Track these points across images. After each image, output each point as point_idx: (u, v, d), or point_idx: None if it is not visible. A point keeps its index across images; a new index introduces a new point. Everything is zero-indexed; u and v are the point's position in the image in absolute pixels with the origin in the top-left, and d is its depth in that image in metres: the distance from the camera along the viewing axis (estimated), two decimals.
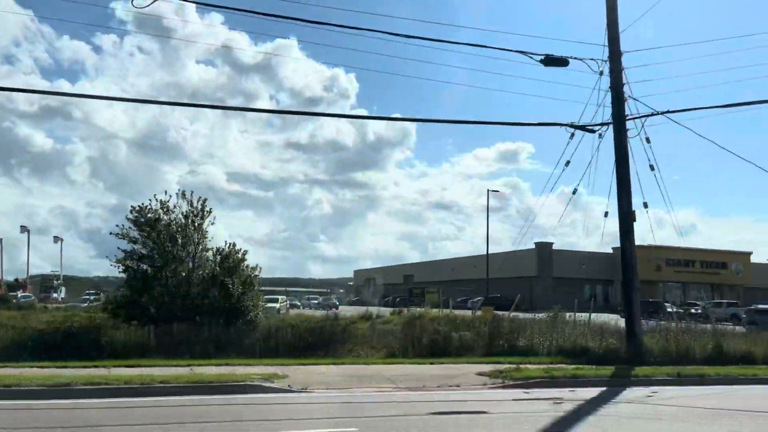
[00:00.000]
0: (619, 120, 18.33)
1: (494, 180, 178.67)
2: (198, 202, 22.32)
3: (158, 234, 21.41)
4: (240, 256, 22.53)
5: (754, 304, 74.01)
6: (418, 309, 52.87)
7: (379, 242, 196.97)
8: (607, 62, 18.53)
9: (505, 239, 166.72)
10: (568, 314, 32.20)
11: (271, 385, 11.37)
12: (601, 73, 18.73)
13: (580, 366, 14.90)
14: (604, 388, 12.54)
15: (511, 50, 17.70)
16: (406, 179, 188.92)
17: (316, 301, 73.66)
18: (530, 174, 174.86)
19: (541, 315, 26.23)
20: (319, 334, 19.48)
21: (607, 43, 18.62)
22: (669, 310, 55.37)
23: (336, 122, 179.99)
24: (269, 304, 51.11)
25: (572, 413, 9.22)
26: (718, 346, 17.89)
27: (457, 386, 12.47)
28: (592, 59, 18.39)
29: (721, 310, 54.37)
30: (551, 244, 76.10)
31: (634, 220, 18.22)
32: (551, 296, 74.85)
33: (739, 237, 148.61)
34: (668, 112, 18.43)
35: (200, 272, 21.90)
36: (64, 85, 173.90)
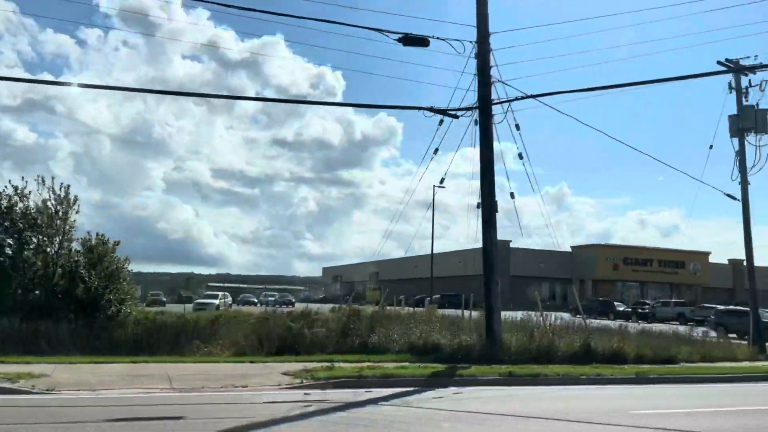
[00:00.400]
0: (484, 104, 17.27)
1: (480, 180, 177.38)
2: (61, 189, 21.02)
3: (12, 222, 20.09)
4: (108, 246, 21.28)
5: (711, 303, 73.75)
6: (360, 307, 51.99)
7: (365, 240, 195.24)
8: (475, 44, 17.49)
9: None
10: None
11: (9, 386, 10.16)
12: (476, 56, 17.71)
13: (405, 365, 13.77)
14: (407, 389, 11.45)
15: (366, 27, 16.63)
16: (391, 178, 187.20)
17: (272, 298, 72.29)
18: (516, 174, 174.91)
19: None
20: (170, 331, 18.27)
21: (476, 23, 17.61)
22: (620, 309, 54.87)
23: (322, 120, 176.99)
24: (209, 301, 50.01)
25: (289, 417, 8.09)
26: (585, 344, 16.91)
27: (244, 387, 11.32)
28: (457, 40, 17.27)
29: (669, 309, 53.88)
30: (509, 241, 75.20)
31: (496, 211, 17.18)
32: (508, 295, 74.21)
33: (723, 238, 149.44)
34: (538, 95, 17.47)
35: (62, 263, 20.60)
36: (47, 79, 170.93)
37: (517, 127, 17.54)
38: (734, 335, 29.22)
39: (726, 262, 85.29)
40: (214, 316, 20.80)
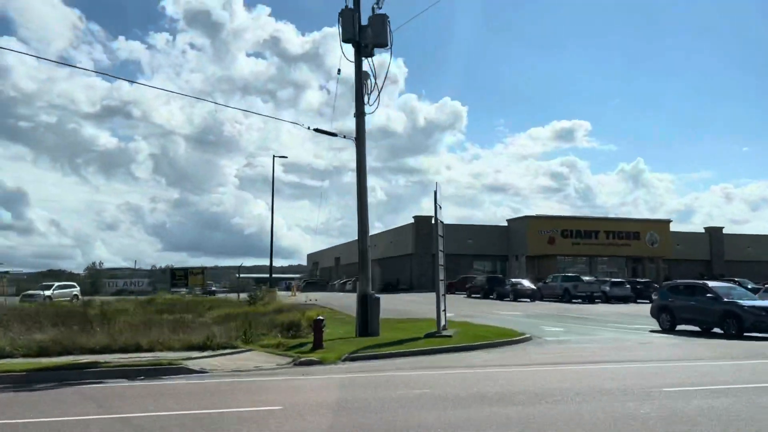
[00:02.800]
0: None
1: (550, 159, 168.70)
2: None
3: None
4: None
5: (670, 277, 64.57)
6: (184, 292, 47.60)
7: None
8: None
9: None
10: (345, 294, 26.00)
11: None
12: None
13: None
14: None
15: None
16: (458, 163, 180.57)
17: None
18: (588, 152, 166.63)
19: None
20: None
21: None
22: (507, 286, 47.76)
23: (386, 108, 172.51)
24: (37, 292, 46.80)
25: None
26: None
27: None
28: None
29: (557, 284, 46.92)
30: (431, 217, 68.32)
31: None
32: (430, 275, 67.16)
33: None
34: None
35: None
36: (123, 85, 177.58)
37: None
38: None
39: (703, 229, 75.37)
40: None
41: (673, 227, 70.53)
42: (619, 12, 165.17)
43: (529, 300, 45.00)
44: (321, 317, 15.33)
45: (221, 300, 34.79)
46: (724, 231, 74.84)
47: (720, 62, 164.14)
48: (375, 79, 19.55)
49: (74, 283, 53.26)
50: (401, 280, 69.18)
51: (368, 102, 19.66)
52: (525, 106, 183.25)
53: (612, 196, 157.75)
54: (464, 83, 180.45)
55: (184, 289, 45.11)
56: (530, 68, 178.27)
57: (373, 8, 19.30)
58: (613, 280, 46.55)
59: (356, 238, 19.27)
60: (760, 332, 18.82)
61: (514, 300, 44.70)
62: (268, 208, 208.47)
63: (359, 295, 18.92)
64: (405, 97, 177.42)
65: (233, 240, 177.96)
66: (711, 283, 21.41)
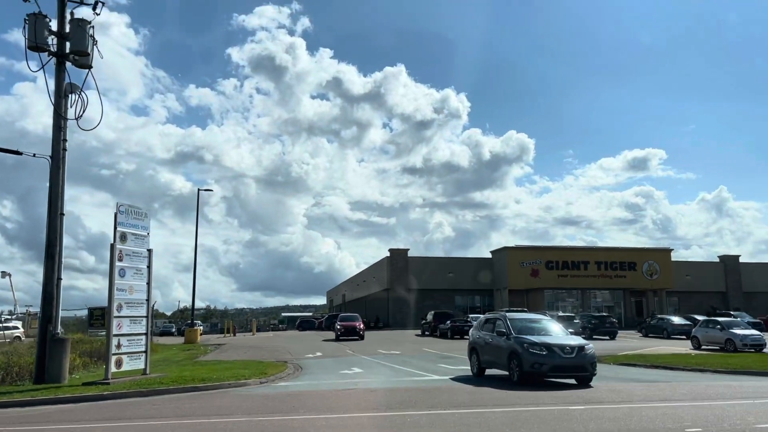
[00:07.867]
0: None
1: (624, 190, 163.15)
2: None
3: None
4: None
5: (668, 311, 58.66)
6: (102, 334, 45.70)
7: None
8: None
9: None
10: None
11: None
12: None
13: None
14: None
15: None
16: (527, 196, 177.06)
17: None
18: (665, 181, 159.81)
19: None
20: None
21: None
22: (447, 323, 43.82)
23: (449, 144, 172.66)
24: None
25: None
26: None
27: None
28: None
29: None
30: (407, 250, 64.74)
31: None
32: (406, 310, 62.65)
33: None
34: None
35: None
36: (195, 131, 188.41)
37: None
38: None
39: (712, 258, 68.38)
40: None
41: (686, 256, 64.13)
42: (691, 33, 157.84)
43: (450, 337, 41.62)
44: None
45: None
46: (741, 260, 67.63)
47: None
48: (82, 92, 17.19)
49: (17, 325, 52.29)
50: (380, 317, 65.42)
51: (77, 116, 17.25)
52: (594, 136, 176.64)
53: (693, 227, 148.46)
54: (529, 115, 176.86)
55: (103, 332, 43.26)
56: (597, 97, 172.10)
57: (72, 13, 17.21)
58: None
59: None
60: (539, 375, 14.87)
61: (451, 338, 41.11)
62: (336, 246, 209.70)
63: (39, 335, 16.35)
64: (469, 132, 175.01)
65: (304, 279, 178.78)
66: (510, 315, 17.34)
